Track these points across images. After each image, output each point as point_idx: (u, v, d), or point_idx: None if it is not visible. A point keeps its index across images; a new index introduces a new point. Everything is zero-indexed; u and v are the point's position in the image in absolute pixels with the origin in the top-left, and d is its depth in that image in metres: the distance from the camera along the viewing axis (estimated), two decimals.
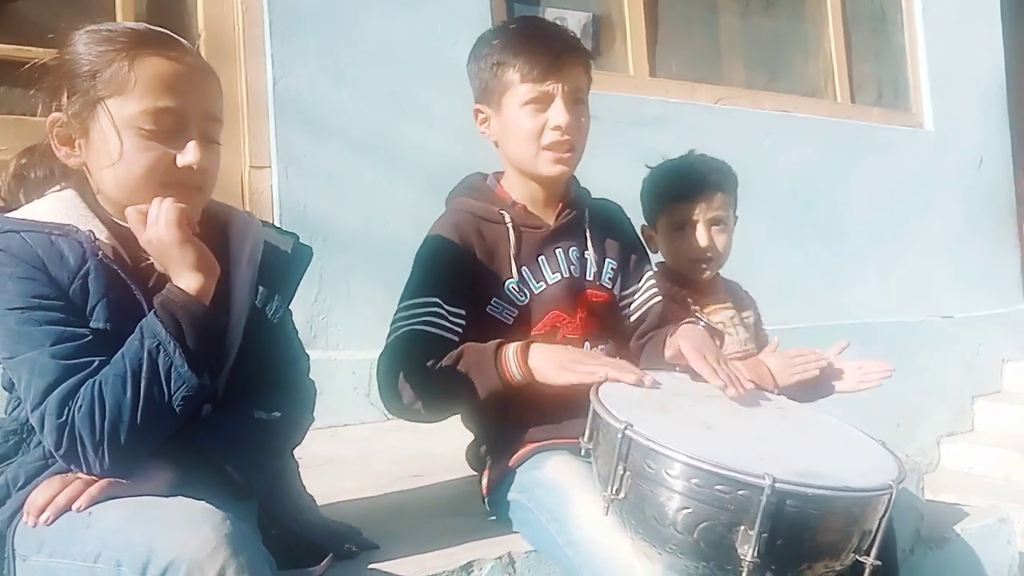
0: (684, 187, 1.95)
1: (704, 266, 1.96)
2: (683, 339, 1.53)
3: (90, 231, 1.20)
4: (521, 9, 3.42)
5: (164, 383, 1.15)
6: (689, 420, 1.30)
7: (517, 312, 1.60)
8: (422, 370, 1.50)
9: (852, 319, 3.91)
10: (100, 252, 1.19)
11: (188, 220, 1.20)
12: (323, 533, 1.38)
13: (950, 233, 4.55)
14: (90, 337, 1.17)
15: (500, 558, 1.46)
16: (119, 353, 1.17)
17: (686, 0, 4.01)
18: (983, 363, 4.49)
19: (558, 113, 1.56)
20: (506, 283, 1.60)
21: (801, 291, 3.82)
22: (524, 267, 1.62)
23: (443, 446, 1.90)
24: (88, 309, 1.18)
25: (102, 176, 1.23)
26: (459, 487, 1.85)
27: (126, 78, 1.18)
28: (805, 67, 4.39)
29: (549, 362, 1.46)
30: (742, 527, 1.10)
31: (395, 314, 1.58)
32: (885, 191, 4.29)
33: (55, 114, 1.23)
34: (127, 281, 1.20)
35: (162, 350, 1.15)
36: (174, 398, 1.16)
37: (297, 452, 1.48)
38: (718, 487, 1.10)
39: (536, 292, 1.62)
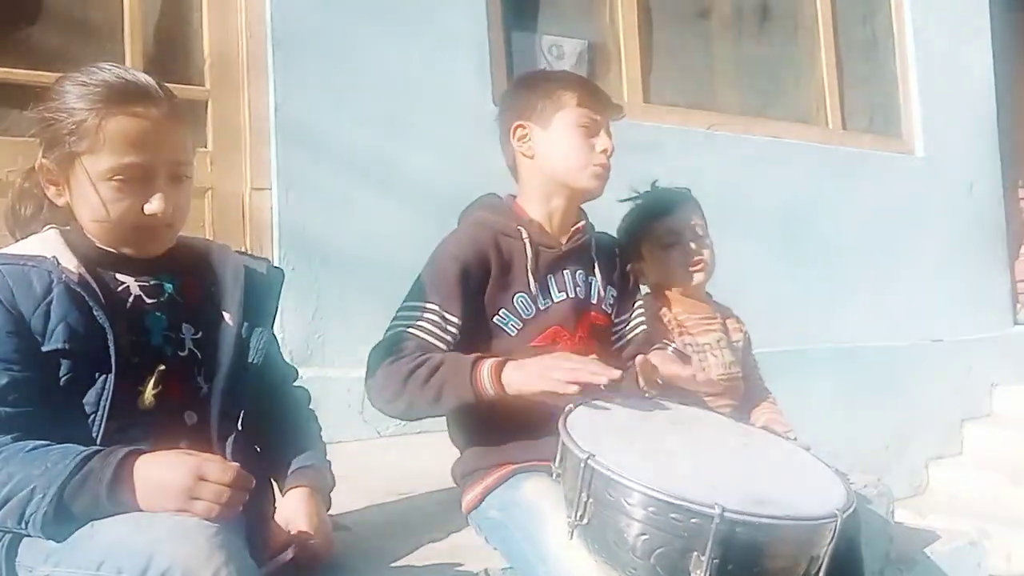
0: (667, 203, 2.12)
1: (696, 271, 2.07)
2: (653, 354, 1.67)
3: (55, 258, 1.28)
4: (519, 37, 3.48)
5: (21, 520, 1.16)
6: (651, 449, 1.36)
7: (522, 325, 1.68)
8: (405, 372, 1.56)
9: (842, 343, 3.95)
10: (64, 277, 1.27)
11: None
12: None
13: (940, 258, 4.56)
14: (5, 382, 1.22)
15: (478, 574, 1.53)
16: (33, 455, 1.18)
17: (680, 27, 4.05)
18: (972, 387, 4.49)
19: (605, 140, 1.74)
20: (516, 296, 1.69)
21: (792, 315, 3.84)
22: (536, 283, 1.70)
23: (435, 464, 1.95)
24: (48, 332, 1.26)
25: (81, 217, 1.35)
26: (444, 504, 1.90)
27: (96, 137, 1.27)
28: (797, 93, 4.42)
29: (523, 372, 1.52)
30: (695, 553, 1.16)
31: (396, 312, 1.67)
32: (876, 216, 4.32)
33: (43, 160, 1.34)
34: (90, 305, 1.27)
35: (41, 497, 1.15)
36: (29, 526, 1.17)
37: None
38: (672, 515, 1.17)
39: (542, 308, 1.70)
